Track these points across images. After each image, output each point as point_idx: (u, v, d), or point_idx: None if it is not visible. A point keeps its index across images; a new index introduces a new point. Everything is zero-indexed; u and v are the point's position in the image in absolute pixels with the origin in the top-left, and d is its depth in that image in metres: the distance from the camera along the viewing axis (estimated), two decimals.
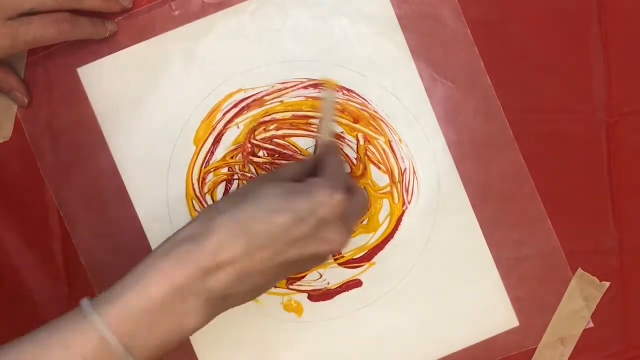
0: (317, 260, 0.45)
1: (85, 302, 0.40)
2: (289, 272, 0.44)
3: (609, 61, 0.52)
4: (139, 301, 0.39)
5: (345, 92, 0.53)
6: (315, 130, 0.53)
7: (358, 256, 0.54)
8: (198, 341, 0.54)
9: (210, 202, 0.54)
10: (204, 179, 0.54)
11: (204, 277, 0.40)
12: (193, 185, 0.54)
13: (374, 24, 0.52)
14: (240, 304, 0.43)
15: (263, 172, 0.53)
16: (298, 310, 0.54)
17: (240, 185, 0.52)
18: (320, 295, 0.54)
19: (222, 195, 0.54)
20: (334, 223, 0.42)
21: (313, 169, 0.47)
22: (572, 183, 0.53)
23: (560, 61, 0.52)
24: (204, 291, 0.40)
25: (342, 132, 0.53)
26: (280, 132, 0.53)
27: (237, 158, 0.54)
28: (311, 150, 0.53)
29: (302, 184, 0.43)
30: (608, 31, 0.52)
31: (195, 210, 0.54)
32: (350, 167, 0.53)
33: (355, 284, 0.54)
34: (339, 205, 0.42)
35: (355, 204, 0.46)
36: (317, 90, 0.53)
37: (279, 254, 0.41)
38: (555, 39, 0.52)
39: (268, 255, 0.41)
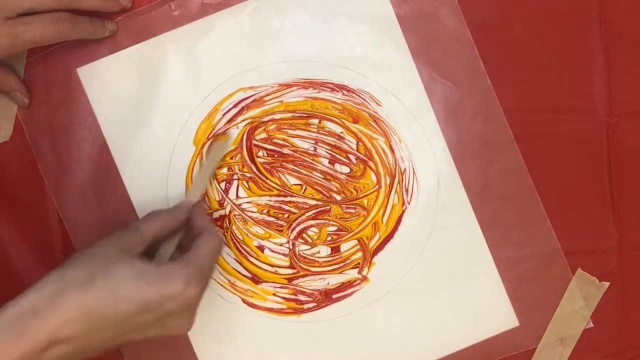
0: (162, 337, 0.45)
1: None
2: (131, 343, 0.44)
3: (609, 61, 0.52)
4: None
5: (345, 92, 0.53)
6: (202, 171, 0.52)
7: (355, 257, 0.54)
8: (198, 341, 0.54)
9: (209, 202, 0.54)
10: None
11: (41, 351, 0.40)
12: None
13: (374, 24, 0.52)
14: None
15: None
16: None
17: (100, 244, 0.45)
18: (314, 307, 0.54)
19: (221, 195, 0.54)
20: (179, 314, 0.43)
21: (180, 226, 0.48)
22: (572, 183, 0.53)
23: (560, 61, 0.52)
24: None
25: (342, 132, 0.53)
26: (280, 132, 0.53)
27: (237, 158, 0.53)
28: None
29: (156, 270, 0.43)
30: (608, 31, 0.52)
31: None
32: (350, 167, 0.53)
33: (356, 284, 0.54)
34: (189, 300, 0.43)
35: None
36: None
37: (119, 335, 0.42)
38: (555, 39, 0.52)
39: (108, 335, 0.42)
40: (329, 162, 0.53)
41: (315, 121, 0.53)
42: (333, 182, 0.53)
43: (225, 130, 0.53)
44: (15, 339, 0.39)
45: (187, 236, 0.49)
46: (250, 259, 0.54)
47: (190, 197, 0.51)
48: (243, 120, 0.53)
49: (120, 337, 0.42)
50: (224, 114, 0.53)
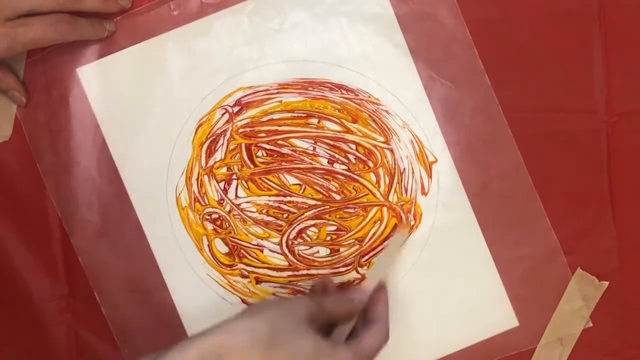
0: None
1: None
2: None
3: (609, 61, 0.52)
4: None
5: (344, 91, 0.53)
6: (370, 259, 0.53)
7: (352, 256, 0.54)
8: None
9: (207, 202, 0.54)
10: (203, 178, 0.54)
11: None
12: (192, 185, 0.54)
13: (373, 23, 0.52)
14: None
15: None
16: None
17: (273, 299, 0.50)
18: None
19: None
20: None
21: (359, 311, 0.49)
22: (572, 183, 0.53)
23: (560, 61, 0.52)
24: None
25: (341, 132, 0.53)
26: (279, 133, 0.53)
27: (236, 158, 0.54)
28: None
29: (332, 351, 0.44)
30: (608, 31, 0.52)
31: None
32: (349, 167, 0.53)
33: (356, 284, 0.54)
34: None
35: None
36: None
37: None
38: (555, 38, 0.52)
39: None
40: (328, 162, 0.53)
41: (315, 121, 0.53)
42: (332, 182, 0.53)
43: (406, 222, 0.53)
44: None
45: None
46: (250, 258, 0.54)
47: (371, 278, 0.51)
48: (242, 120, 0.53)
49: None
50: (223, 114, 0.53)
